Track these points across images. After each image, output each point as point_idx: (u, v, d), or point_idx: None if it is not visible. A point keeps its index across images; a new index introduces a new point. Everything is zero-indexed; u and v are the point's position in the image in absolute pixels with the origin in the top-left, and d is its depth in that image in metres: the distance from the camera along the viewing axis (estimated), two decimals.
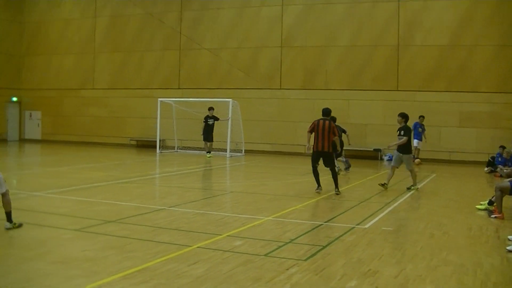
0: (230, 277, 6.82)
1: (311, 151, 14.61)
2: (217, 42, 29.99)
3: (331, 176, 14.54)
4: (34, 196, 13.04)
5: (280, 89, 28.51)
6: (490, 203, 12.02)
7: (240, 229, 9.70)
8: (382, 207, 12.46)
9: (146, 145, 30.69)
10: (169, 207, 11.85)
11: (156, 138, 28.01)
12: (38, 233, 9.08)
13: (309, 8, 28.12)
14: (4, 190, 9.11)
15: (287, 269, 7.17)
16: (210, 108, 25.81)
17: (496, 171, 20.77)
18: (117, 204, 12.00)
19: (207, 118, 25.65)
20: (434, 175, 20.08)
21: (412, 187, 15.43)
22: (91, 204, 12.05)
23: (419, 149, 24.39)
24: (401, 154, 15.24)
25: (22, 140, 35.17)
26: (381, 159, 25.79)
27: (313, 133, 14.35)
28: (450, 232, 9.99)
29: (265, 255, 7.89)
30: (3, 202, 9.14)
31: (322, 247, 8.48)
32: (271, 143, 28.56)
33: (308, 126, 14.64)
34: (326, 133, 14.21)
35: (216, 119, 25.71)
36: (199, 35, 30.30)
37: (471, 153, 25.05)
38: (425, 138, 24.29)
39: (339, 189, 14.46)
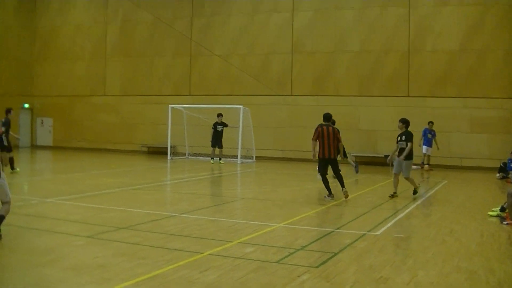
0: (242, 284, 6.82)
1: (317, 158, 14.61)
2: (227, 48, 30.06)
3: (337, 179, 14.55)
4: (45, 202, 13.09)
5: (291, 95, 28.52)
6: (502, 209, 11.95)
7: (252, 235, 9.70)
8: (394, 214, 12.44)
9: (157, 152, 30.75)
10: (181, 213, 11.86)
11: (167, 145, 28.10)
12: (49, 239, 9.11)
13: (319, 14, 28.15)
14: (7, 199, 9.01)
15: (299, 276, 7.16)
16: (219, 115, 25.90)
17: (508, 177, 20.65)
18: (129, 211, 12.03)
19: (216, 124, 25.77)
20: (445, 181, 20.00)
21: (416, 190, 15.14)
22: (103, 211, 12.09)
23: (429, 156, 24.30)
24: (402, 160, 14.98)
25: (34, 147, 35.33)
26: (392, 165, 25.56)
27: (318, 140, 14.37)
28: (462, 238, 9.94)
29: (277, 262, 7.88)
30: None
31: (333, 254, 8.46)
32: (282, 150, 28.55)
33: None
34: (331, 139, 14.28)
35: (225, 125, 25.80)
36: (210, 41, 30.37)
37: (482, 159, 24.92)
38: (436, 144, 24.15)
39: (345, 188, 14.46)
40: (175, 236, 9.51)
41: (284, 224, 10.82)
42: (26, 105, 35.11)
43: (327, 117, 14.77)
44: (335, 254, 8.45)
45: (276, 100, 28.72)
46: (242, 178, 21.38)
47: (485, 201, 14.92)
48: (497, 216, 11.99)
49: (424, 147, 24.08)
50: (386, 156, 15.41)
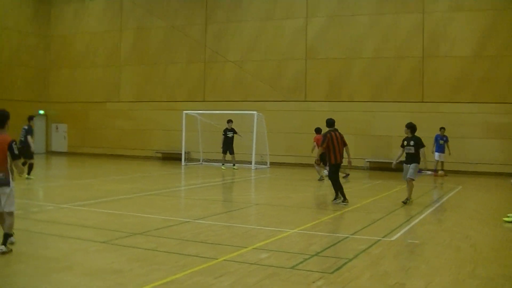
0: None
1: (319, 163, 14.82)
2: (241, 54, 30.12)
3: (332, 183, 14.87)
4: (61, 208, 13.17)
5: (305, 101, 28.51)
6: None
7: (266, 241, 9.71)
8: (408, 220, 12.40)
9: (171, 158, 30.84)
10: (195, 219, 11.90)
11: (181, 151, 28.19)
12: (65, 245, 9.18)
13: (333, 20, 28.14)
14: (11, 209, 8.74)
15: (314, 282, 7.17)
16: (229, 121, 25.98)
17: None
18: (143, 217, 12.09)
19: (226, 130, 25.86)
20: (459, 187, 19.89)
21: (407, 200, 14.75)
22: (118, 217, 12.16)
23: (442, 162, 24.17)
24: (409, 165, 14.82)
25: (49, 153, 35.56)
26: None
27: (328, 146, 14.50)
28: (477, 245, 9.89)
29: (291, 267, 7.89)
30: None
31: (348, 259, 8.46)
32: (296, 155, 28.50)
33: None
34: (340, 145, 14.64)
35: (235, 132, 25.85)
36: (224, 48, 30.46)
37: (497, 164, 24.75)
38: (448, 149, 24.03)
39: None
40: (189, 242, 9.54)
41: (298, 230, 10.84)
42: (41, 112, 35.37)
43: (331, 123, 15.00)
44: (350, 260, 8.45)
45: (290, 106, 28.72)
46: (256, 184, 21.41)
47: (500, 207, 14.84)
48: None
49: (436, 153, 23.95)
50: (400, 163, 15.30)
